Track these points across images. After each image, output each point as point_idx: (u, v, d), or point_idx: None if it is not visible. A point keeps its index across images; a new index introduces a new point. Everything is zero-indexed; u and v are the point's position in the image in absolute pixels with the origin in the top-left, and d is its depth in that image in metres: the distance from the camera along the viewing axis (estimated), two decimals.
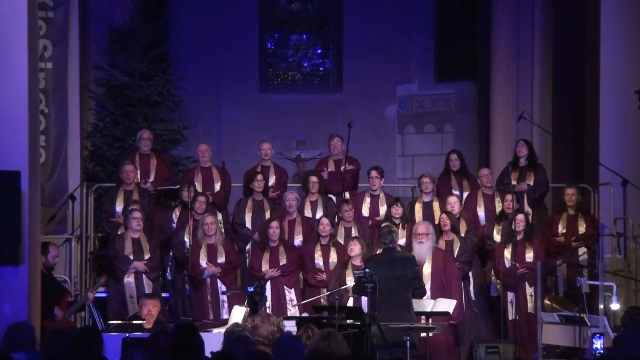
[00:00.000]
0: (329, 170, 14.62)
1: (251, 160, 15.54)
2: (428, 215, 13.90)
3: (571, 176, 16.66)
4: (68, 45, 14.43)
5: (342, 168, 14.55)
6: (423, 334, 11.87)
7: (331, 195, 14.48)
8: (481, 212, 14.19)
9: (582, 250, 13.88)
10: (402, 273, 11.28)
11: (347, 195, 14.39)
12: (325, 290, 12.90)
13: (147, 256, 13.02)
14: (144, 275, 13.00)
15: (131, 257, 12.97)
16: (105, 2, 16.98)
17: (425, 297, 12.08)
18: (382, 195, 14.25)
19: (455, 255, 13.19)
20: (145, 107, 16.46)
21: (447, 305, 12.11)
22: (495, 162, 16.97)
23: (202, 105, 18.73)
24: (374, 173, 14.19)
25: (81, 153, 15.06)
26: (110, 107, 16.41)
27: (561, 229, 13.89)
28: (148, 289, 12.89)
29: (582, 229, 13.86)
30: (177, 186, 14.22)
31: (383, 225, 12.66)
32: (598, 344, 10.60)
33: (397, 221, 13.49)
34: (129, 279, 12.98)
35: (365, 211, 14.10)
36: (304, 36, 19.96)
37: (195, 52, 18.85)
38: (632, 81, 14.65)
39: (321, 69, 20.01)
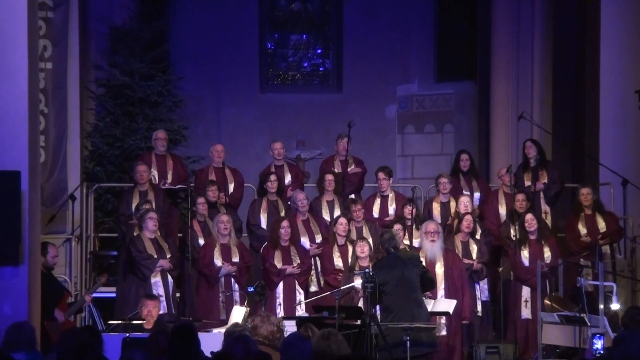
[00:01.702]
0: (336, 171, 14.56)
1: (251, 160, 15.56)
2: (445, 215, 13.90)
3: (571, 176, 16.67)
4: (68, 45, 14.40)
5: (349, 169, 14.54)
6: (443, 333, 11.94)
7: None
8: (502, 211, 14.16)
9: (604, 247, 13.83)
10: (409, 273, 11.27)
11: (353, 196, 14.35)
12: None
13: (168, 255, 13.02)
14: (167, 274, 12.99)
15: (155, 257, 12.96)
16: (105, 2, 16.99)
17: (439, 296, 12.19)
18: (391, 195, 14.25)
19: (474, 257, 13.21)
20: (145, 107, 16.46)
21: (447, 305, 12.12)
22: (495, 162, 16.97)
23: (202, 105, 18.74)
24: (381, 175, 14.18)
25: (81, 153, 15.04)
26: (110, 107, 16.41)
27: (582, 229, 13.87)
28: (171, 287, 12.92)
29: (601, 227, 13.84)
30: (178, 186, 14.18)
31: (384, 231, 12.60)
32: (598, 344, 10.59)
33: (409, 222, 13.44)
34: (156, 279, 12.92)
35: (376, 212, 14.09)
36: (304, 36, 19.96)
37: (195, 52, 18.85)
38: (632, 81, 14.64)
39: (321, 69, 20.01)
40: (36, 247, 10.88)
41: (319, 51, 20.00)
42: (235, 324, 10.13)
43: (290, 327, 11.06)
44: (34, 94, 10.91)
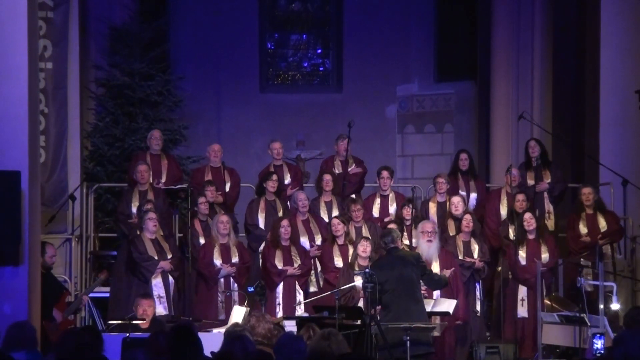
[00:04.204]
0: (337, 171, 14.54)
1: (251, 160, 15.56)
2: (442, 215, 13.89)
3: (571, 176, 16.67)
4: (68, 45, 14.41)
5: (349, 170, 14.52)
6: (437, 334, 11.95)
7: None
8: (503, 210, 14.12)
9: (605, 247, 13.83)
10: (409, 271, 11.23)
11: (353, 196, 14.34)
12: None
13: (169, 255, 13.01)
14: (168, 275, 12.98)
15: (156, 258, 12.96)
16: (105, 2, 17.00)
17: (435, 296, 12.25)
18: (391, 195, 14.24)
19: (476, 256, 13.21)
20: (145, 107, 16.47)
21: (447, 305, 12.11)
22: (496, 162, 16.97)
23: (202, 105, 18.74)
24: (385, 173, 14.16)
25: (81, 153, 15.05)
26: (110, 107, 16.42)
27: (583, 229, 13.87)
28: (172, 288, 12.92)
29: (602, 226, 13.84)
30: (185, 185, 14.15)
31: (386, 229, 12.60)
32: (598, 344, 10.60)
33: (407, 222, 13.45)
34: (157, 280, 12.91)
35: (376, 212, 14.08)
36: (304, 36, 19.97)
37: (195, 52, 18.86)
38: (632, 81, 14.64)
39: (321, 69, 20.02)
40: (36, 247, 10.88)
41: (319, 51, 20.01)
42: (235, 324, 10.13)
43: (290, 326, 11.06)
44: (34, 94, 10.91)
